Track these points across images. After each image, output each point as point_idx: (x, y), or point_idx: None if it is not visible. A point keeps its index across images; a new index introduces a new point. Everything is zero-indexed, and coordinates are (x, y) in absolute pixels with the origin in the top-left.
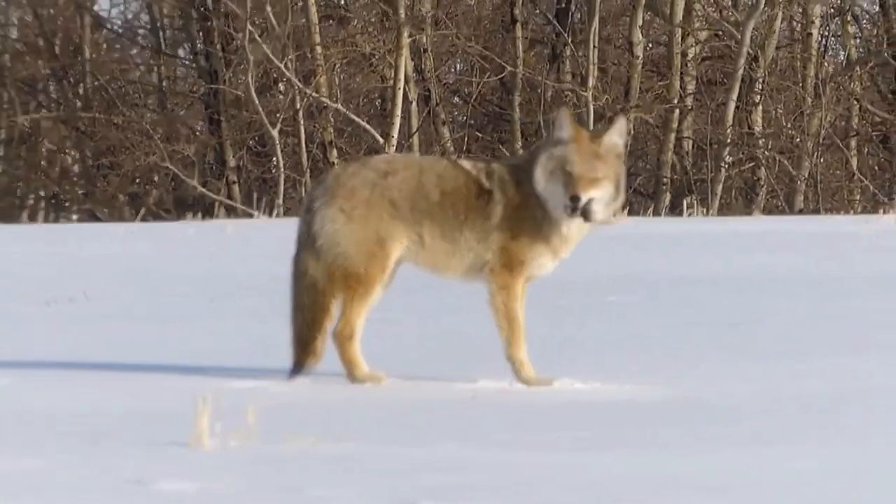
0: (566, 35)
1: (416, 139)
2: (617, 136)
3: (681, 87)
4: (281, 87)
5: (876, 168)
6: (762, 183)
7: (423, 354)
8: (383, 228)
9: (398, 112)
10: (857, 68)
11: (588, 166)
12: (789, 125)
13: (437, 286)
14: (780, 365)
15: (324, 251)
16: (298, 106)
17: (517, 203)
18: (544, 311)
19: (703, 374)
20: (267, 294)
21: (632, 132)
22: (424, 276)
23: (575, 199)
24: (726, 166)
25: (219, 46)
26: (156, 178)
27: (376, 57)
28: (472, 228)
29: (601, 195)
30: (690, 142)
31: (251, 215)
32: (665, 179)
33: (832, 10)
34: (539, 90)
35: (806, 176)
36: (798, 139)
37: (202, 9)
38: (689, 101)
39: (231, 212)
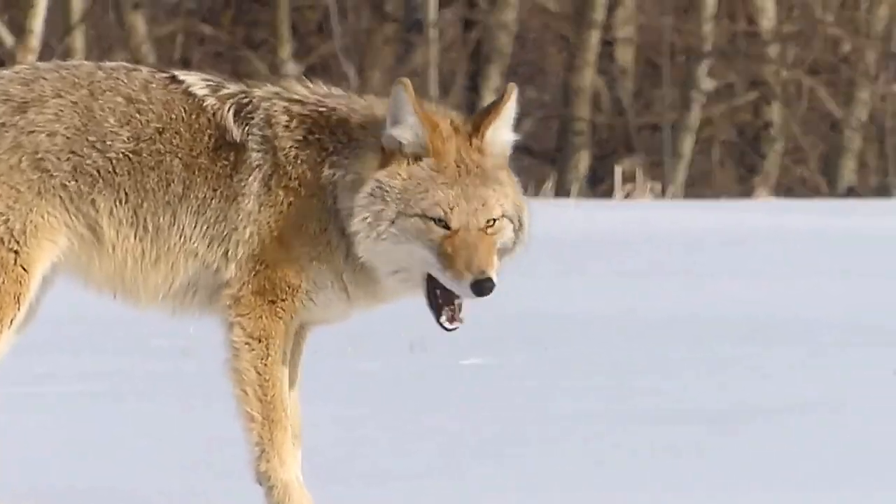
0: None
1: (79, 38)
2: (506, 128)
3: None
4: None
5: None
6: (773, 133)
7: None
8: (18, 213)
9: None
10: None
11: (476, 202)
12: (830, 16)
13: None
14: None
15: None
16: None
17: (302, 182)
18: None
19: None
20: None
21: (513, 30)
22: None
23: (480, 284)
24: (702, 98)
25: None
26: None
27: None
28: (197, 212)
29: (500, 253)
30: (632, 50)
31: None
32: (579, 125)
33: None
34: None
35: (863, 119)
36: (848, 45)
37: None
38: None
39: None
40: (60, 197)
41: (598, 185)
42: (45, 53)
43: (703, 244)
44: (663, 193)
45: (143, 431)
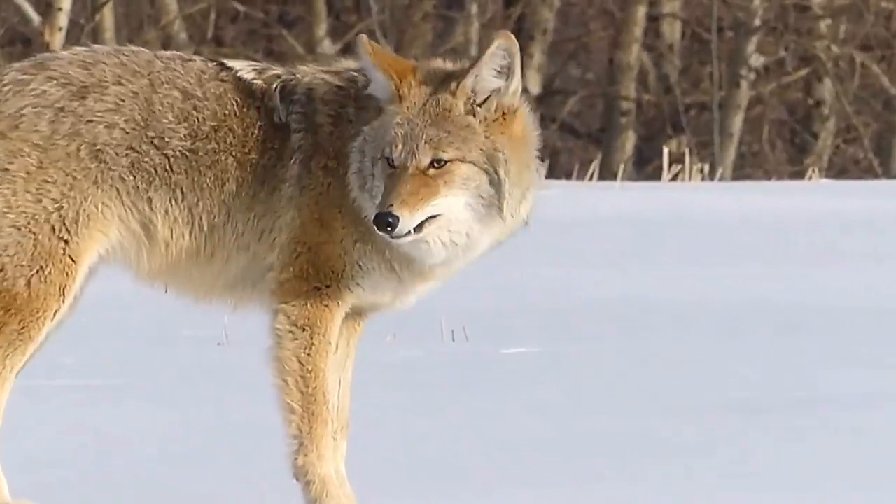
0: None
1: (108, 15)
2: (490, 73)
3: None
4: None
5: None
6: (826, 111)
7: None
8: (73, 201)
9: None
10: None
11: (420, 140)
12: None
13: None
14: None
15: None
16: None
17: (340, 160)
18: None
19: None
20: None
21: (555, 4)
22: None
23: (378, 217)
24: (751, 75)
25: None
26: None
27: None
28: (249, 207)
29: (456, 202)
30: (678, 26)
31: None
32: (625, 105)
33: None
34: None
35: None
36: None
37: None
38: None
39: None
40: (118, 189)
41: (645, 166)
42: (73, 32)
43: (752, 227)
44: (712, 175)
45: (169, 425)
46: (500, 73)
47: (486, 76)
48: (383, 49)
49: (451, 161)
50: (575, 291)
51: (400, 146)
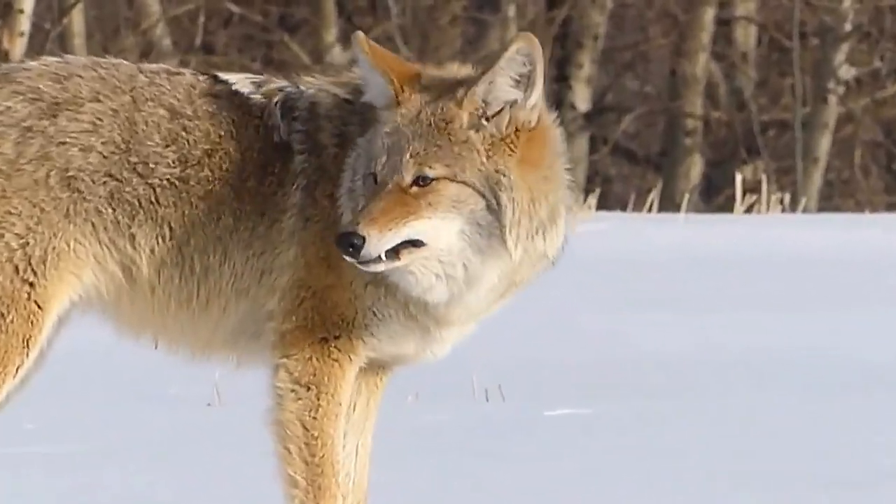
0: None
1: (78, 19)
2: (507, 81)
3: None
4: None
5: None
6: None
7: None
8: (41, 237)
9: None
10: None
11: (406, 154)
12: None
13: None
14: None
15: None
16: None
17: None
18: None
19: None
20: None
21: (608, 6)
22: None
23: (340, 237)
24: (840, 89)
25: None
26: None
27: None
28: (248, 245)
29: (446, 228)
30: (754, 31)
31: None
32: (691, 123)
33: None
34: None
35: None
36: None
37: None
38: None
39: None
40: (93, 223)
41: (714, 196)
42: (37, 38)
43: (841, 267)
44: (794, 206)
45: (152, 497)
46: (517, 82)
47: (501, 85)
48: (384, 50)
49: (437, 179)
50: (629, 342)
51: (384, 159)
